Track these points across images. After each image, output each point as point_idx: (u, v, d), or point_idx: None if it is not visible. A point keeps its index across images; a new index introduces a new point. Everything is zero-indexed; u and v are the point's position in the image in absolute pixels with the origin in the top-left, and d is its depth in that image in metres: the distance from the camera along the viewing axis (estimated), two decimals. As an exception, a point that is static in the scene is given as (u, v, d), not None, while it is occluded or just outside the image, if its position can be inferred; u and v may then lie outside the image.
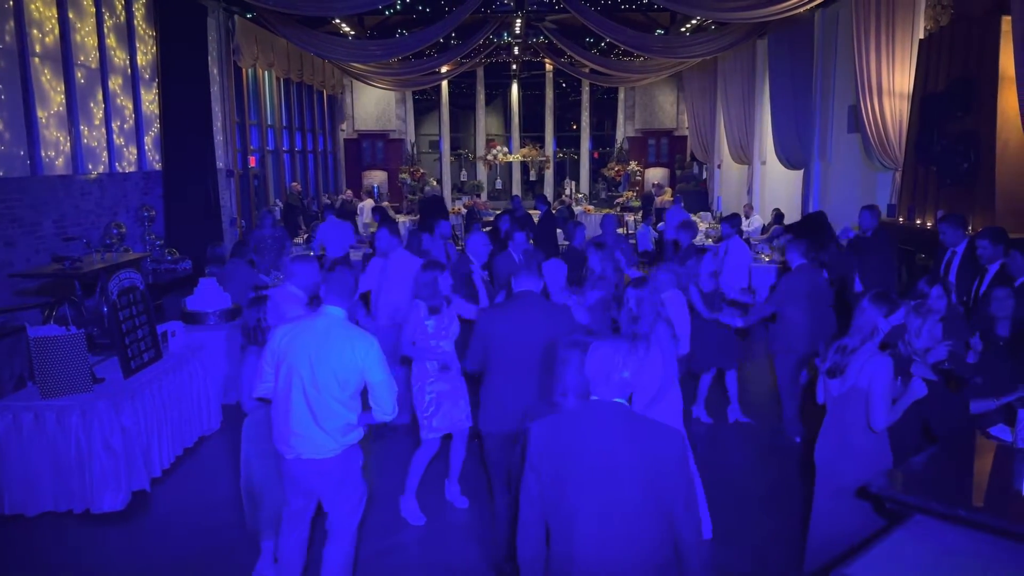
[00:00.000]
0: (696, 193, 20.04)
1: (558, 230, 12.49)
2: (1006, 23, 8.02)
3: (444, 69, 18.81)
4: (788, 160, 14.34)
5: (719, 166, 19.82)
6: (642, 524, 2.64)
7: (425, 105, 22.76)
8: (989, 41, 8.43)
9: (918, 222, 9.70)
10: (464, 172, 22.46)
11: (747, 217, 15.15)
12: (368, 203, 17.54)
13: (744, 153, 17.25)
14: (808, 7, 11.04)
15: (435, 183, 20.97)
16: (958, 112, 8.91)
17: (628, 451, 2.65)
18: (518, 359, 4.30)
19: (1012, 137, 8.15)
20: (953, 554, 2.76)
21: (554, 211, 14.78)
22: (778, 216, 14.00)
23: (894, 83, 10.67)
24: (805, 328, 6.26)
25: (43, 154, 8.34)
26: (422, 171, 21.19)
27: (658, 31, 16.66)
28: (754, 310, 6.66)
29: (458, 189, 21.91)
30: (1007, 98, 8.13)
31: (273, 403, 3.94)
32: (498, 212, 13.36)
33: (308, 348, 3.78)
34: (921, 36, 10.24)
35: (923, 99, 9.73)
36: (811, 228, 9.27)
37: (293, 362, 3.81)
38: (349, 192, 18.60)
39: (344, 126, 21.20)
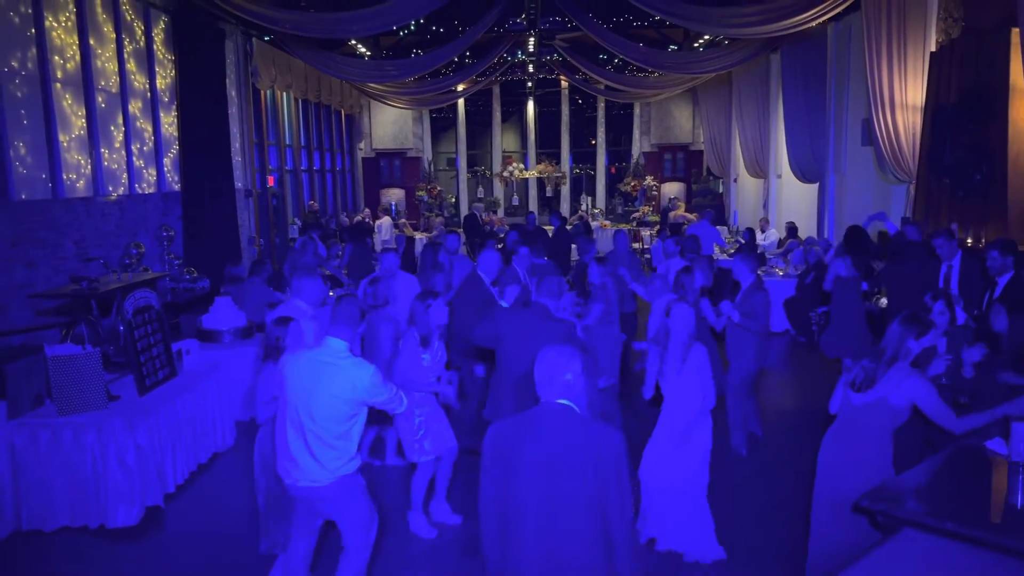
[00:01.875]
0: (712, 207, 20.00)
1: (572, 245, 12.53)
2: (1015, 35, 8.03)
3: (460, 87, 19.00)
4: (803, 174, 14.32)
5: (735, 180, 19.80)
6: (581, 520, 2.81)
7: (442, 123, 22.97)
8: (1000, 53, 8.43)
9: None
10: (481, 189, 22.61)
11: (763, 231, 15.12)
12: (386, 221, 17.70)
13: (759, 167, 17.24)
14: (818, 22, 11.08)
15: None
16: (970, 124, 8.90)
17: (568, 450, 2.82)
18: (518, 361, 4.43)
19: (1024, 149, 8.13)
20: (941, 568, 2.76)
21: (570, 226, 14.84)
22: (792, 230, 13.96)
23: (906, 96, 10.65)
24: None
25: (64, 177, 8.55)
26: (439, 188, 21.36)
27: (671, 47, 16.73)
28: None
29: (475, 206, 22.06)
30: (1019, 110, 8.13)
31: (276, 429, 4.06)
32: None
33: (305, 380, 3.86)
34: (933, 49, 10.23)
35: (935, 111, 9.71)
36: (853, 242, 9.38)
37: (290, 393, 3.91)
38: (367, 211, 18.75)
39: (362, 145, 21.44)
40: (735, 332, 6.33)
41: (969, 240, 8.71)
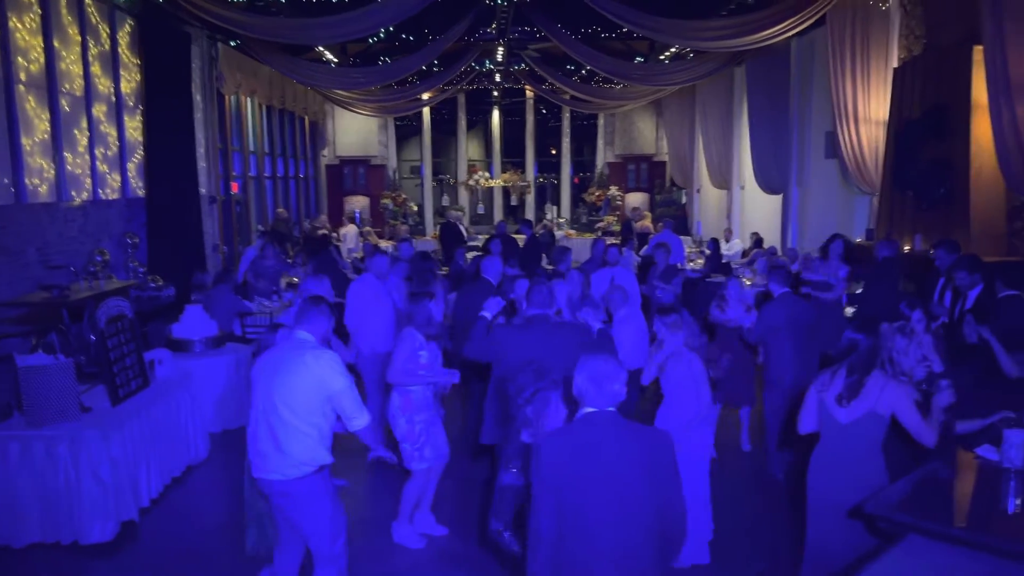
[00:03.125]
0: (676, 218, 20.24)
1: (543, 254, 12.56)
2: (978, 52, 8.26)
3: (427, 96, 18.96)
4: (767, 185, 14.57)
5: (698, 191, 20.07)
6: (648, 520, 2.89)
7: (407, 131, 22.88)
8: (962, 70, 8.67)
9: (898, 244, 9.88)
10: (446, 197, 22.55)
11: (727, 241, 15.35)
12: (351, 229, 17.53)
13: (723, 178, 17.50)
14: (784, 37, 11.31)
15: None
16: (933, 139, 9.13)
17: (631, 453, 2.88)
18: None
19: (986, 163, 8.36)
20: (947, 572, 2.82)
21: (537, 235, 14.86)
22: (757, 241, 14.19)
23: (870, 110, 10.92)
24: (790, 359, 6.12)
25: (27, 182, 8.31)
26: (404, 196, 21.25)
27: (638, 59, 16.92)
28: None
29: (439, 214, 21.99)
30: (980, 125, 8.36)
31: (248, 428, 4.04)
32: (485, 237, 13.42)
33: (271, 371, 3.89)
34: (895, 65, 10.50)
35: (899, 126, 9.96)
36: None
37: (258, 386, 3.93)
38: (323, 218, 18.17)
39: (326, 152, 21.25)
40: (774, 349, 6.25)
41: (932, 251, 8.93)
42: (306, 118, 19.19)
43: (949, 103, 8.92)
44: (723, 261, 13.30)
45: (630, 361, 5.64)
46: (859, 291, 8.49)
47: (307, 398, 3.83)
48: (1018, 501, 3.29)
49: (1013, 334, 5.19)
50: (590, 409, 2.93)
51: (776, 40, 11.38)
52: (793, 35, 11.54)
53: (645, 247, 13.72)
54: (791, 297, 6.37)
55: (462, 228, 16.14)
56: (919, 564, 2.88)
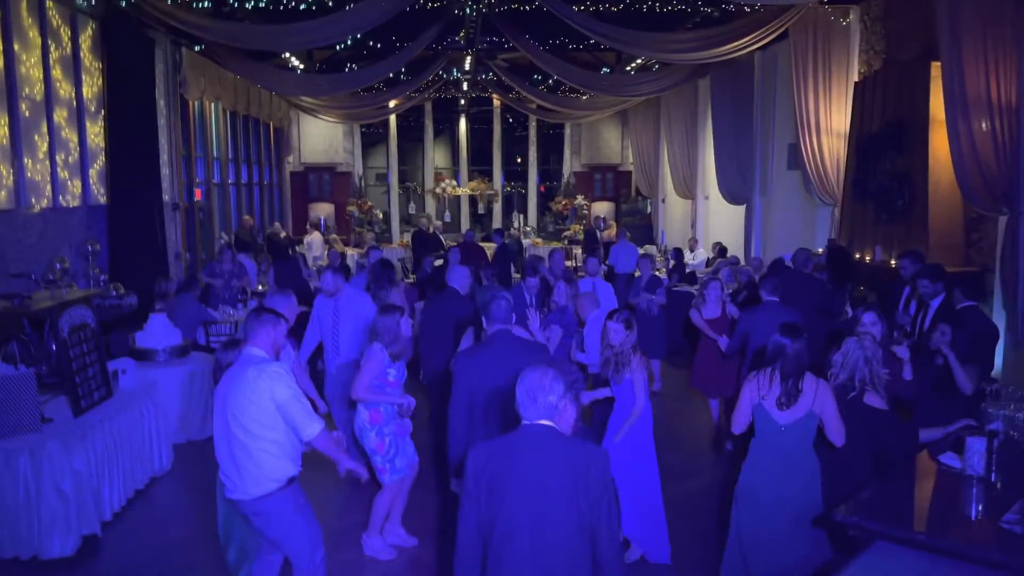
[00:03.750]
0: (641, 227, 20.46)
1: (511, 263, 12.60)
2: (935, 68, 8.48)
3: (393, 103, 18.90)
4: (730, 195, 14.77)
5: (663, 200, 20.28)
6: (572, 540, 2.83)
7: (373, 138, 22.78)
8: (920, 85, 8.90)
9: (857, 256, 10.08)
10: (412, 205, 22.48)
11: (692, 251, 15.53)
12: (316, 236, 17.39)
13: (688, 188, 17.71)
14: (748, 50, 11.51)
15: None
16: (892, 152, 9.36)
17: (556, 470, 2.84)
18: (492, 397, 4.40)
19: (943, 177, 8.58)
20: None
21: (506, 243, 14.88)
22: (721, 250, 14.37)
23: (831, 122, 11.15)
24: None
25: (-15, 187, 8.12)
26: (370, 204, 21.15)
27: (604, 69, 17.07)
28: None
29: (406, 222, 21.92)
30: (938, 139, 8.58)
31: (215, 446, 3.99)
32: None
33: (226, 391, 3.86)
34: (856, 79, 10.74)
35: (859, 139, 10.18)
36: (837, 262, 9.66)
37: (217, 406, 3.92)
38: (277, 224, 17.78)
39: (290, 159, 21.07)
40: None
41: (893, 262, 9.13)
42: (271, 124, 19.02)
43: (908, 117, 9.14)
44: (687, 271, 13.46)
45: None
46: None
47: (257, 414, 3.76)
48: (980, 507, 3.37)
49: (972, 343, 5.34)
50: (525, 422, 2.93)
51: (740, 54, 11.58)
52: (756, 49, 11.75)
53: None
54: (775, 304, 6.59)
55: (440, 236, 16.07)
56: (888, 569, 2.95)
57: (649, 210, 21.61)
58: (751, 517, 4.06)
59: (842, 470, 4.15)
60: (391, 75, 15.40)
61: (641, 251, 15.37)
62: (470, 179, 22.16)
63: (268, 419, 3.77)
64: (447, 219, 22.23)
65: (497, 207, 22.26)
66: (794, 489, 3.93)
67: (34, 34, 9.12)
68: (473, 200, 22.29)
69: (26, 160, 8.85)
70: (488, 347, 4.60)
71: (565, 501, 2.81)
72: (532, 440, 2.89)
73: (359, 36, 13.08)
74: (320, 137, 21.30)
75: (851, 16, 11.02)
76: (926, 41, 8.97)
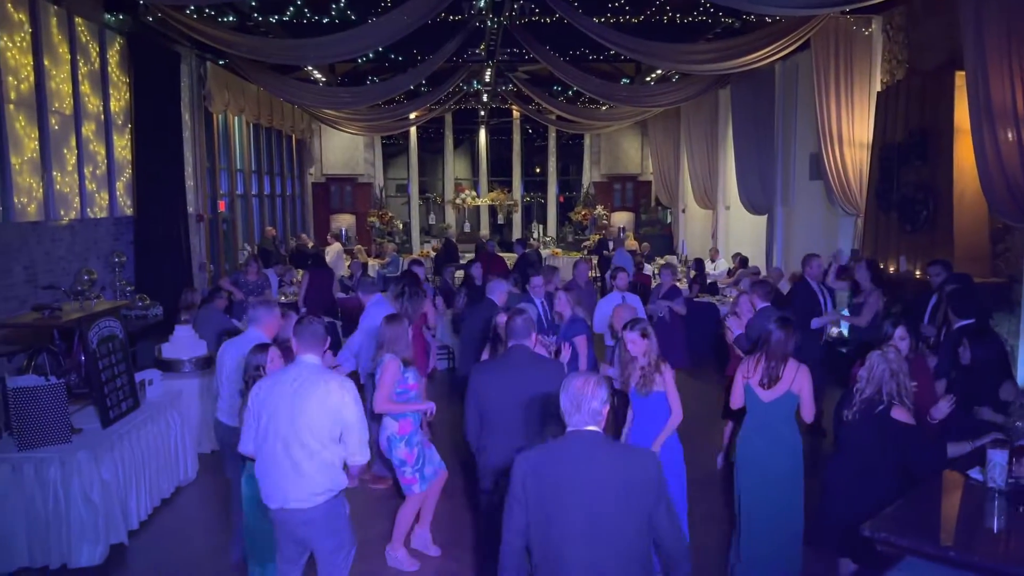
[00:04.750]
0: (661, 237, 20.41)
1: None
2: (959, 78, 8.41)
3: (414, 115, 19.02)
4: (752, 205, 14.71)
5: (683, 210, 20.22)
6: (625, 541, 2.87)
7: (393, 149, 22.93)
8: (944, 95, 8.81)
9: (881, 266, 9.99)
10: (432, 215, 22.59)
11: (713, 261, 15.48)
12: (336, 247, 17.49)
13: (708, 198, 17.65)
14: (769, 61, 11.48)
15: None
16: (916, 162, 9.27)
17: (609, 474, 2.88)
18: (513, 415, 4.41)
19: (968, 187, 8.48)
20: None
21: (527, 253, 14.93)
22: (742, 261, 14.30)
23: (854, 133, 11.07)
24: None
25: (16, 200, 8.25)
26: (390, 214, 21.28)
27: (624, 80, 17.09)
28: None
29: (426, 232, 22.03)
30: (962, 149, 8.48)
31: (257, 456, 3.97)
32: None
33: (284, 399, 3.85)
34: (879, 89, 10.67)
35: (882, 149, 10.10)
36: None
37: (272, 414, 3.87)
38: (303, 236, 18.14)
39: (312, 170, 21.26)
40: None
41: (917, 273, 9.06)
42: (293, 136, 19.21)
43: (932, 127, 9.06)
44: (708, 281, 13.41)
45: None
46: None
47: (332, 426, 3.84)
48: (1003, 520, 3.34)
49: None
50: (571, 429, 2.98)
51: (761, 64, 11.55)
52: (777, 59, 11.72)
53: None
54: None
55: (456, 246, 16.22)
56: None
57: (669, 220, 21.55)
58: (747, 481, 4.70)
59: (870, 484, 4.12)
60: (412, 87, 15.51)
61: (662, 261, 15.40)
62: (490, 189, 22.24)
63: (333, 431, 3.87)
64: (467, 229, 22.34)
65: (517, 217, 22.31)
66: (779, 455, 4.62)
67: (64, 50, 9.28)
68: (492, 210, 22.35)
69: (55, 173, 9.01)
70: (502, 361, 4.63)
71: (619, 504, 2.86)
72: (581, 446, 2.94)
73: (380, 49, 13.19)
74: (341, 149, 21.48)
75: (873, 26, 10.96)
76: (950, 50, 8.91)
